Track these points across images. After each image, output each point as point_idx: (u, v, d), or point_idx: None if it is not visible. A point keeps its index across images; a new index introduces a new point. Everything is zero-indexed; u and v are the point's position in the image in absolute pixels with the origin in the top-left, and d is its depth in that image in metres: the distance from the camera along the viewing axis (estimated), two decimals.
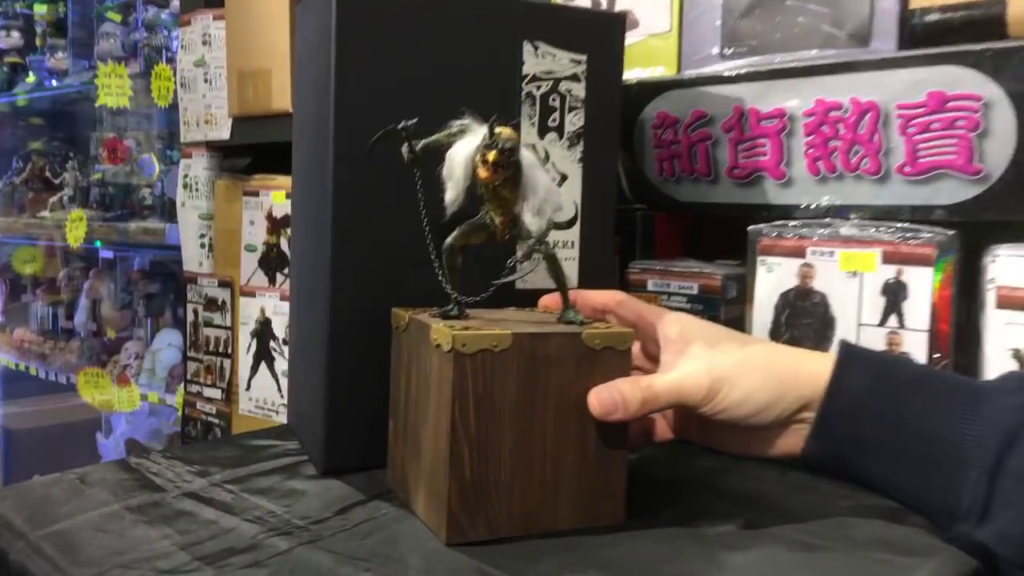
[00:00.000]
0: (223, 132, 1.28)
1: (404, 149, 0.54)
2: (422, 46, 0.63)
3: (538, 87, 0.68)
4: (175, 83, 1.46)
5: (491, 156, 0.49)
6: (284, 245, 1.20)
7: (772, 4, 0.77)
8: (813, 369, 0.52)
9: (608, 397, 0.51)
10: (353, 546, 0.49)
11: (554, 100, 0.69)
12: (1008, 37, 0.65)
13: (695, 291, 0.77)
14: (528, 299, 0.62)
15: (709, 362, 0.52)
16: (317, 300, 0.64)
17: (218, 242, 1.31)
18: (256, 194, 1.24)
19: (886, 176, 0.70)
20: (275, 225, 1.22)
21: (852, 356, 0.52)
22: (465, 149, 0.52)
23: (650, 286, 0.80)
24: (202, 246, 1.33)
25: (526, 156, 0.51)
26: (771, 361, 0.53)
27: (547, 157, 0.67)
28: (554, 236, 0.65)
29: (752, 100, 0.76)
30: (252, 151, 1.29)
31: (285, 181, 1.21)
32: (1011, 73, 0.63)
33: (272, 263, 1.22)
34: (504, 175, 0.50)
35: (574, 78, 0.69)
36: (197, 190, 1.34)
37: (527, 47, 0.67)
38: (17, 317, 2.46)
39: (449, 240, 0.53)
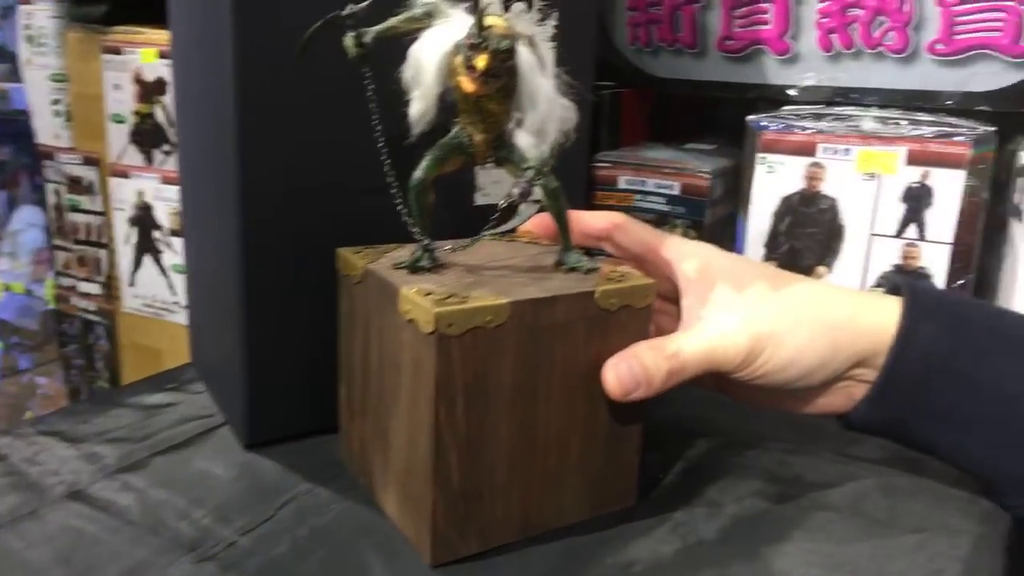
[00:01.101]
0: None
1: (350, 41, 0.39)
2: None
3: None
4: None
5: (480, 61, 0.34)
6: (160, 116, 1.00)
7: None
8: (873, 320, 0.42)
9: (628, 372, 0.40)
10: (305, 571, 0.38)
11: None
12: None
13: (676, 191, 0.65)
14: (485, 218, 0.50)
15: (746, 315, 0.42)
16: (223, 231, 0.49)
17: (76, 110, 1.08)
18: (118, 52, 1.01)
19: (914, 55, 0.59)
20: (147, 91, 1.00)
21: (920, 305, 0.42)
22: (437, 45, 0.37)
23: (621, 183, 0.67)
24: (57, 115, 1.10)
25: (523, 56, 0.37)
26: (822, 310, 0.43)
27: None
28: None
29: None
30: None
31: (155, 35, 0.99)
32: None
33: (147, 137, 1.02)
34: (496, 85, 0.36)
35: None
36: (43, 44, 1.09)
37: None
38: None
39: (418, 173, 0.39)
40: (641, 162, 0.67)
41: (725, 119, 0.83)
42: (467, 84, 0.35)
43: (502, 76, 0.36)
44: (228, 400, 0.53)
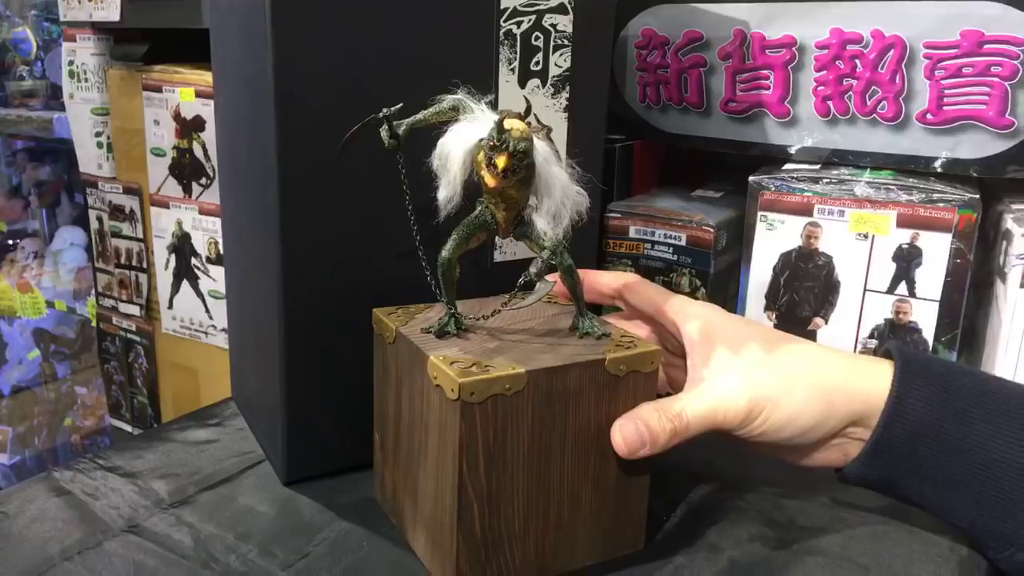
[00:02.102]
0: (111, 12, 1.09)
1: (384, 134, 0.44)
2: None
3: (518, 24, 0.57)
4: None
5: (501, 161, 0.39)
6: (198, 151, 1.05)
7: None
8: (867, 383, 0.46)
9: (634, 433, 0.44)
10: None
11: (537, 39, 0.58)
12: None
13: (683, 242, 0.70)
14: (507, 274, 0.55)
15: (746, 378, 0.46)
16: (264, 287, 0.54)
17: (118, 142, 1.14)
18: (159, 89, 1.07)
19: (905, 123, 0.63)
20: (185, 127, 1.06)
21: (911, 371, 0.46)
22: (463, 140, 0.42)
23: (632, 233, 0.72)
24: (99, 146, 1.17)
25: (540, 149, 0.42)
26: (818, 373, 0.47)
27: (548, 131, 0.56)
28: None
29: (757, 24, 0.66)
30: (149, 36, 1.10)
31: (193, 75, 1.04)
32: None
33: (186, 171, 1.07)
34: (515, 179, 0.41)
35: (560, 9, 0.58)
36: (86, 80, 1.15)
37: None
38: None
39: (445, 253, 0.44)
40: (650, 213, 0.71)
41: (733, 165, 0.88)
42: (489, 179, 0.40)
43: (521, 171, 0.40)
44: (268, 438, 0.58)
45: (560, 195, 0.43)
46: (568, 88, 0.59)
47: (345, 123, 0.46)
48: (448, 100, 0.44)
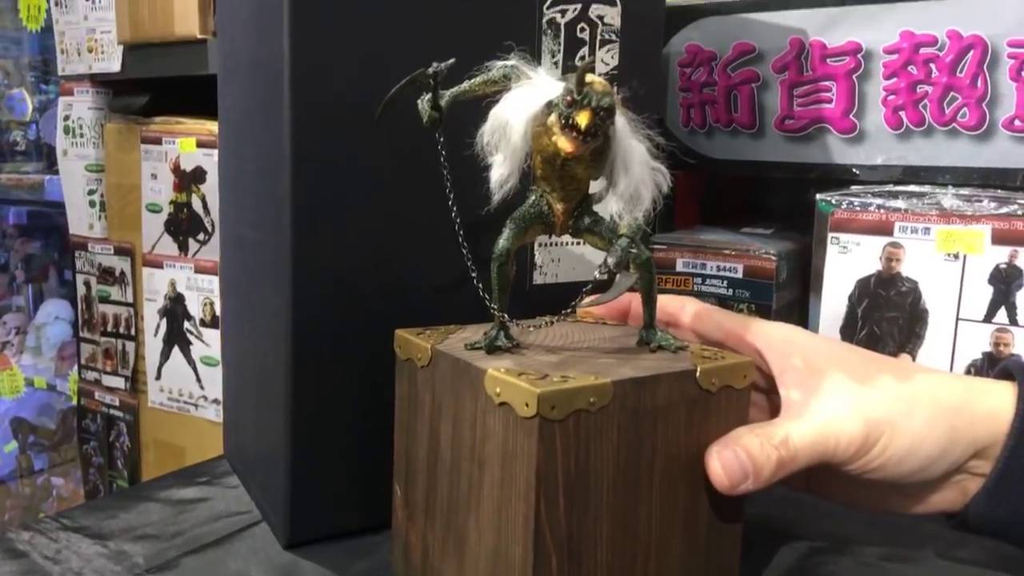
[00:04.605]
0: (112, 63, 1.04)
1: (426, 104, 0.36)
2: None
3: (562, 13, 0.50)
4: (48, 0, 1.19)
5: (583, 118, 0.32)
6: (197, 205, 0.99)
7: None
8: (989, 405, 0.38)
9: (735, 462, 0.35)
10: None
11: (582, 31, 0.51)
12: None
13: (739, 274, 0.62)
14: (543, 297, 0.47)
15: (859, 402, 0.38)
16: (271, 316, 0.46)
17: (112, 200, 1.08)
18: (158, 141, 1.01)
19: (990, 131, 0.56)
20: (184, 180, 1.00)
21: None
22: (524, 106, 0.34)
23: (679, 266, 0.64)
24: (92, 204, 1.10)
25: (616, 118, 0.34)
26: (936, 394, 0.38)
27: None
28: None
29: (816, 31, 0.61)
30: (150, 87, 1.05)
31: (195, 125, 0.99)
32: None
33: (182, 227, 1.00)
34: (594, 145, 0.33)
35: (608, 0, 0.52)
36: (82, 135, 1.10)
37: None
38: None
39: (502, 243, 0.36)
40: (700, 244, 0.64)
41: (779, 203, 0.81)
42: (565, 143, 0.33)
43: (599, 136, 0.33)
44: (267, 495, 0.49)
45: (640, 172, 0.35)
46: (616, 88, 0.53)
47: (365, 125, 0.39)
48: (498, 67, 0.37)
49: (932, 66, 0.57)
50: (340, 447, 0.45)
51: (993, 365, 0.55)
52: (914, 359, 0.57)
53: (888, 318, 0.57)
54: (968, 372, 0.55)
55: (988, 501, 0.38)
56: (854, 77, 0.60)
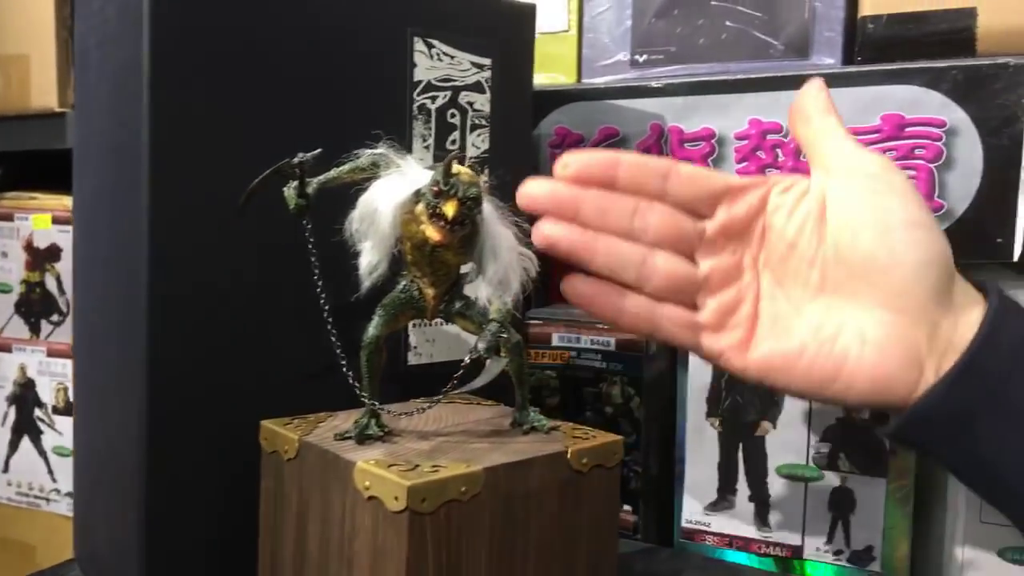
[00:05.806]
0: None
1: (291, 191, 0.36)
2: (276, 40, 0.44)
3: (432, 99, 0.52)
4: None
5: (450, 209, 0.32)
6: (51, 284, 0.93)
7: (693, 4, 0.65)
8: (961, 299, 0.36)
9: None
10: None
11: (453, 116, 0.53)
12: (976, 54, 0.57)
13: (612, 347, 0.64)
14: (419, 378, 0.47)
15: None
16: (125, 402, 0.43)
17: None
18: (9, 218, 0.95)
19: None
20: (37, 259, 0.94)
21: (1006, 301, 0.37)
22: (393, 193, 0.35)
23: (555, 340, 0.65)
24: None
25: (484, 205, 0.35)
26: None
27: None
28: None
29: (674, 118, 0.64)
30: (2, 160, 0.99)
31: (51, 200, 0.94)
32: (979, 96, 0.55)
33: (34, 308, 0.94)
34: (461, 234, 0.34)
35: (477, 87, 0.54)
36: None
37: (419, 45, 0.50)
38: None
39: (372, 330, 0.36)
40: (574, 319, 0.65)
41: None
42: (434, 232, 0.33)
43: (467, 225, 0.34)
44: None
45: (508, 257, 0.36)
46: (487, 171, 0.54)
47: (228, 212, 0.38)
48: (367, 155, 0.38)
49: (778, 151, 0.61)
50: (201, 551, 0.43)
51: (845, 429, 0.58)
52: (775, 426, 0.59)
53: (749, 388, 0.59)
54: (824, 439, 0.58)
55: (947, 389, 0.35)
56: (709, 160, 0.63)
